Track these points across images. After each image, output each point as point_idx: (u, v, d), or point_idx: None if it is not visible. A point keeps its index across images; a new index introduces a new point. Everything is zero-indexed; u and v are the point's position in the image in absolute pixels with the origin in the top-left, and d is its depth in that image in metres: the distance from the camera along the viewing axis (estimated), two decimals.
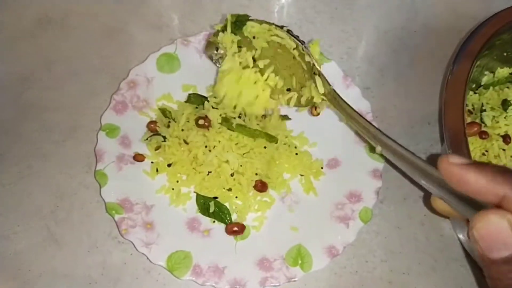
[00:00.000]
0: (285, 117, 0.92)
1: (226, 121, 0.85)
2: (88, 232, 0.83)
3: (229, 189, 0.84)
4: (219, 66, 0.91)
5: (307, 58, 0.84)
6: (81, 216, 0.84)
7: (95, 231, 0.83)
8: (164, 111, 0.91)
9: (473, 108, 0.89)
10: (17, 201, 0.85)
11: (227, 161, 0.84)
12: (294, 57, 0.85)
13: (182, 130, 0.86)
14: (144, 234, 0.79)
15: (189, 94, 0.92)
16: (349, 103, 0.91)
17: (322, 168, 0.88)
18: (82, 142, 0.91)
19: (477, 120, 0.86)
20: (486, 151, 0.83)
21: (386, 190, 0.88)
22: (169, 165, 0.86)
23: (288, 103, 0.88)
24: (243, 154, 0.85)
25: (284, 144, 0.88)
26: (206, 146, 0.84)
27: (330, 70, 0.94)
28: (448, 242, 0.84)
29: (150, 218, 0.81)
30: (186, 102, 0.92)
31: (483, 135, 0.84)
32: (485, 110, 0.86)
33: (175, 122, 0.89)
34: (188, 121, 0.88)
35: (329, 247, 0.78)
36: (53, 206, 0.85)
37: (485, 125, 0.85)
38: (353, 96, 0.92)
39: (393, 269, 0.82)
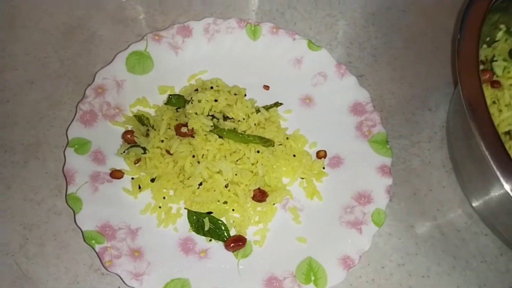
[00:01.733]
0: (277, 104, 0.82)
1: (215, 127, 0.75)
2: (66, 267, 0.71)
3: (225, 202, 0.74)
4: None
5: None
6: (56, 249, 0.72)
7: (74, 264, 0.72)
8: (140, 118, 0.80)
9: (486, 59, 0.83)
10: None
11: (219, 172, 0.74)
12: None
13: (163, 140, 0.75)
14: (132, 264, 0.68)
15: (169, 95, 0.81)
16: (346, 94, 0.83)
17: (324, 168, 0.79)
18: (47, 161, 0.78)
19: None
20: (497, 100, 0.78)
21: (394, 186, 0.80)
22: (152, 180, 0.75)
23: None
24: (236, 161, 0.75)
25: (280, 145, 0.79)
26: (193, 156, 0.74)
27: (321, 59, 0.85)
28: (465, 237, 0.78)
29: (137, 244, 0.70)
30: (166, 104, 0.80)
31: (494, 84, 0.79)
32: (496, 61, 0.82)
33: (155, 130, 0.78)
34: (169, 128, 0.77)
35: (343, 258, 0.70)
36: (21, 239, 0.73)
37: (496, 76, 0.81)
38: (349, 85, 0.83)
39: (411, 273, 0.75)
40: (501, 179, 0.59)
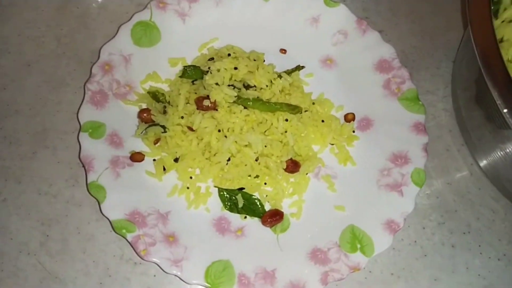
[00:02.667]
0: (298, 68, 0.77)
1: (239, 97, 0.69)
2: (94, 260, 0.66)
3: (256, 176, 0.70)
4: None
5: None
6: (80, 243, 0.67)
7: (103, 257, 0.67)
8: (154, 95, 0.74)
9: None
10: None
11: (247, 145, 0.69)
12: None
13: (183, 116, 0.70)
14: (169, 250, 0.64)
15: (184, 67, 0.75)
16: (370, 51, 0.78)
17: (353, 132, 0.75)
18: (57, 150, 0.72)
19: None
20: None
21: None
22: (176, 160, 0.70)
23: None
24: (264, 132, 0.71)
25: (306, 111, 0.74)
26: (219, 131, 0.69)
27: (340, 15, 0.80)
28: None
29: (170, 229, 0.66)
30: (181, 77, 0.74)
31: None
32: None
33: (172, 106, 0.72)
34: (188, 103, 0.71)
35: (387, 222, 0.67)
36: (41, 236, 0.67)
37: None
38: (373, 42, 0.78)
39: (453, 231, 0.73)
40: None
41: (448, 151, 0.78)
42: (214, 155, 0.69)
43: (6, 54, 0.77)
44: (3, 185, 0.69)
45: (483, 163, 0.76)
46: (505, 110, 0.56)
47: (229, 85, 0.71)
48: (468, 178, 0.77)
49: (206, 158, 0.70)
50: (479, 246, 0.72)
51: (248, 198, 0.69)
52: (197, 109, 0.70)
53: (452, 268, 0.71)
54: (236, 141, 0.68)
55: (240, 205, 0.68)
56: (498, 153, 0.71)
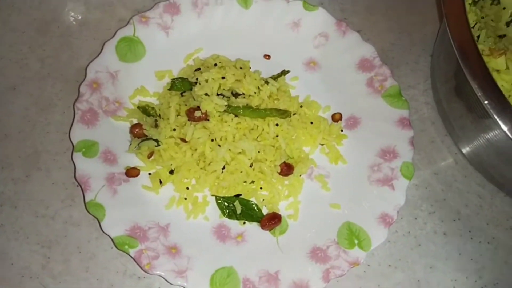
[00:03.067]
0: (284, 72, 0.79)
1: (229, 106, 0.71)
2: (98, 278, 0.67)
3: (252, 182, 0.71)
4: None
5: None
6: (82, 262, 0.68)
7: (106, 274, 0.67)
8: (145, 109, 0.74)
9: None
10: None
11: (241, 152, 0.70)
12: None
13: (175, 128, 0.71)
14: (172, 262, 0.65)
15: (172, 80, 0.75)
16: (351, 51, 0.81)
17: (342, 130, 0.77)
18: (51, 171, 0.72)
19: None
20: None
21: None
22: (171, 172, 0.70)
23: None
24: (257, 138, 0.72)
25: (295, 114, 0.76)
26: (212, 140, 0.70)
27: (320, 18, 0.82)
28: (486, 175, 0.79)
29: (171, 241, 0.67)
30: (170, 89, 0.75)
31: None
32: None
33: (163, 119, 0.73)
34: (178, 114, 0.72)
35: (382, 216, 0.69)
36: (42, 259, 0.67)
37: None
38: (353, 42, 0.80)
39: (443, 219, 0.76)
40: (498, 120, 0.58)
41: (433, 143, 0.81)
42: (209, 164, 0.70)
43: None
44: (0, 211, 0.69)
45: (466, 151, 0.79)
46: (485, 102, 0.59)
47: (218, 95, 0.73)
48: (454, 167, 0.80)
49: (201, 168, 0.71)
50: (469, 231, 0.75)
51: (246, 204, 0.71)
52: (189, 120, 0.71)
53: (445, 255, 0.73)
54: (229, 149, 0.69)
55: (239, 211, 0.70)
56: (480, 141, 0.74)
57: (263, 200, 0.71)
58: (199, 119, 0.70)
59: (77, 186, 0.71)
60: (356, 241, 0.68)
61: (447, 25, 0.65)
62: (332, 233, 0.69)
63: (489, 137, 0.71)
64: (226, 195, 0.71)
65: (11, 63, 0.78)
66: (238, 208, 0.70)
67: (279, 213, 0.71)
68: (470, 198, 0.78)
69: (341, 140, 0.76)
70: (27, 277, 0.66)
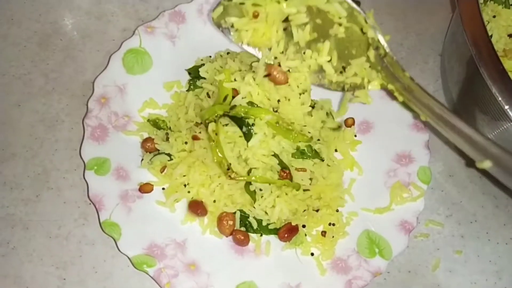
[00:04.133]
0: None
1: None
2: None
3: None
4: (231, 37, 0.70)
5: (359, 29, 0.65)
6: (99, 282, 0.66)
7: None
8: (155, 123, 0.73)
9: None
10: None
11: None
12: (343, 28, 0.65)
13: (186, 142, 0.69)
14: (192, 280, 0.63)
15: (189, 80, 0.75)
16: None
17: (355, 136, 0.76)
18: (62, 190, 0.70)
19: None
20: None
21: None
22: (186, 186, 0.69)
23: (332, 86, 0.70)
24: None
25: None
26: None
27: None
28: None
29: (189, 257, 0.65)
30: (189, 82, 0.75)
31: None
32: None
33: (174, 132, 0.71)
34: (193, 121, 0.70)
35: (401, 223, 0.69)
36: (58, 281, 0.66)
37: None
38: None
39: (460, 222, 0.75)
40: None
41: (447, 144, 0.80)
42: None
43: None
44: (10, 233, 0.67)
45: None
46: (506, 107, 0.58)
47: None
48: (468, 168, 0.79)
49: (219, 184, 0.69)
50: (487, 233, 0.75)
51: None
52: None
53: (464, 258, 0.73)
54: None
55: (255, 227, 0.68)
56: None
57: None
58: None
59: (89, 204, 0.69)
60: (376, 250, 0.67)
61: (463, 25, 0.64)
62: (351, 242, 0.68)
63: (505, 138, 0.70)
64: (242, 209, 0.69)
65: (14, 79, 0.76)
66: (254, 223, 0.68)
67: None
68: (486, 199, 0.77)
69: (355, 146, 0.75)
70: None
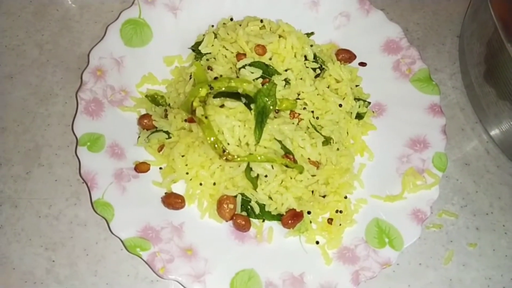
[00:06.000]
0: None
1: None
2: (107, 283, 0.62)
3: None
4: None
5: None
6: (90, 265, 0.62)
7: (116, 278, 0.62)
8: (154, 98, 0.68)
9: None
10: None
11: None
12: None
13: (186, 119, 0.64)
14: (189, 265, 0.59)
15: (195, 56, 0.71)
16: (375, 32, 0.74)
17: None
18: (53, 167, 0.67)
19: None
20: None
21: None
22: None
23: None
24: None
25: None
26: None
27: None
28: None
29: (186, 242, 0.61)
30: (195, 59, 0.70)
31: None
32: None
33: (173, 108, 0.67)
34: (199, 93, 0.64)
35: (413, 212, 0.64)
36: (47, 263, 0.62)
37: None
38: (377, 22, 0.74)
39: (476, 213, 0.70)
40: None
41: (463, 131, 0.75)
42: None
43: None
44: None
45: (499, 140, 0.74)
46: None
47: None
48: (485, 156, 0.74)
49: (220, 166, 0.64)
50: (503, 226, 0.70)
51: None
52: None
53: (479, 251, 0.68)
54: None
55: (257, 212, 0.64)
56: None
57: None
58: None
59: (83, 183, 0.65)
60: (386, 240, 0.63)
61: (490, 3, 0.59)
62: (360, 231, 0.64)
63: None
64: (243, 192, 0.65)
65: (7, 50, 0.72)
66: (255, 208, 0.64)
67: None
68: (503, 190, 0.72)
69: (367, 130, 0.71)
70: (30, 282, 0.61)
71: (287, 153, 0.63)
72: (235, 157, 0.61)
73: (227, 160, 0.61)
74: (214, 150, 0.61)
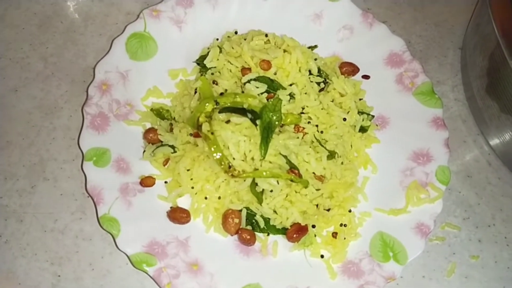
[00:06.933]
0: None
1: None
2: None
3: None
4: None
5: None
6: (96, 280, 0.63)
7: None
8: (159, 112, 0.69)
9: None
10: (3, 287, 0.61)
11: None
12: None
13: (191, 133, 0.65)
14: (195, 280, 0.60)
15: (200, 70, 0.71)
16: (378, 45, 0.75)
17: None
18: (58, 181, 0.67)
19: None
20: None
21: None
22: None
23: None
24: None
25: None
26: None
27: (344, 9, 0.76)
28: None
29: (192, 257, 0.62)
30: (200, 72, 0.71)
31: None
32: None
33: (178, 122, 0.67)
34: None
35: (417, 226, 0.65)
36: (52, 277, 0.62)
37: None
38: (381, 35, 0.75)
39: (478, 225, 0.71)
40: None
41: (465, 143, 0.76)
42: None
43: None
44: (3, 225, 0.64)
45: (501, 152, 0.74)
46: None
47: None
48: (487, 168, 0.75)
49: (225, 180, 0.65)
50: (505, 238, 0.71)
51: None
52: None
53: (481, 263, 0.69)
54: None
55: (262, 225, 0.64)
56: None
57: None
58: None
59: (88, 197, 0.66)
60: (391, 254, 0.63)
61: (492, 14, 0.60)
62: (364, 245, 0.65)
63: None
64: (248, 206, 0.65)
65: (12, 62, 0.72)
66: (260, 222, 0.64)
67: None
68: (505, 202, 0.73)
69: (371, 143, 0.71)
70: None
71: (292, 168, 0.63)
72: (241, 173, 0.61)
73: (233, 176, 0.61)
74: (220, 166, 0.61)
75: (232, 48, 0.68)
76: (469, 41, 0.77)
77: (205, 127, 0.62)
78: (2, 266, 0.62)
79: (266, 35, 0.70)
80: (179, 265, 0.60)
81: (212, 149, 0.61)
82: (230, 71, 0.68)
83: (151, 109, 0.69)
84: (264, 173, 0.61)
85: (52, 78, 0.71)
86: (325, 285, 0.61)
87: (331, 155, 0.65)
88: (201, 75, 0.69)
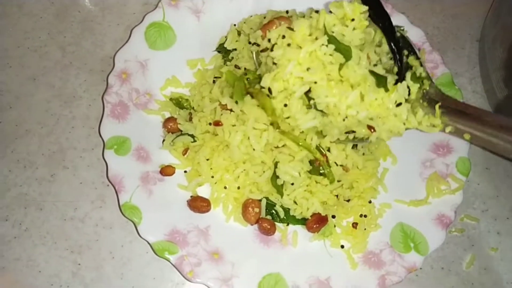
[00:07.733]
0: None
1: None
2: (134, 286, 0.62)
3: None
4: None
5: None
6: (116, 268, 0.62)
7: (143, 281, 0.62)
8: (178, 101, 0.68)
9: None
10: (24, 275, 0.61)
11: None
12: None
13: (211, 123, 0.64)
14: (216, 269, 0.59)
15: (222, 57, 0.71)
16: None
17: None
18: (78, 169, 0.66)
19: None
20: None
21: None
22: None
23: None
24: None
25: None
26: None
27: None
28: None
29: (213, 245, 0.62)
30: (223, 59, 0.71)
31: None
32: None
33: (197, 112, 0.67)
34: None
35: (438, 217, 0.64)
36: (72, 266, 0.62)
37: None
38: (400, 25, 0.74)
39: (497, 217, 0.71)
40: None
41: None
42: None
43: (7, 68, 0.70)
44: (23, 214, 0.64)
45: None
46: None
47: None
48: (506, 161, 0.74)
49: (244, 170, 0.64)
50: None
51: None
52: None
53: (500, 255, 0.69)
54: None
55: (282, 216, 0.64)
56: None
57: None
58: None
59: (107, 185, 0.65)
60: (411, 245, 0.63)
61: None
62: (385, 235, 0.64)
63: None
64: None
65: (30, 51, 0.71)
66: (280, 212, 0.64)
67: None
68: None
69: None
70: (56, 285, 0.61)
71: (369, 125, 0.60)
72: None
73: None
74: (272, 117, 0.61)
75: (251, 28, 0.68)
76: (488, 33, 0.77)
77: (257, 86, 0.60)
78: (22, 253, 0.62)
79: (287, 12, 0.69)
80: (200, 253, 0.60)
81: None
82: (252, 52, 0.67)
83: (171, 99, 0.68)
84: (300, 143, 0.61)
85: (70, 67, 0.71)
86: (346, 275, 0.61)
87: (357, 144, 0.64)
88: (224, 62, 0.69)
